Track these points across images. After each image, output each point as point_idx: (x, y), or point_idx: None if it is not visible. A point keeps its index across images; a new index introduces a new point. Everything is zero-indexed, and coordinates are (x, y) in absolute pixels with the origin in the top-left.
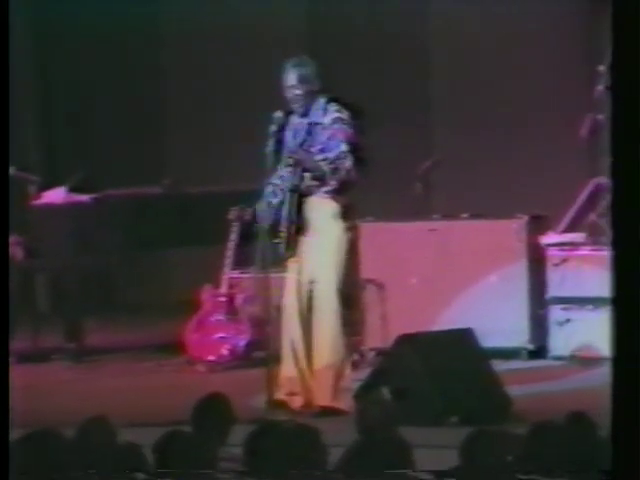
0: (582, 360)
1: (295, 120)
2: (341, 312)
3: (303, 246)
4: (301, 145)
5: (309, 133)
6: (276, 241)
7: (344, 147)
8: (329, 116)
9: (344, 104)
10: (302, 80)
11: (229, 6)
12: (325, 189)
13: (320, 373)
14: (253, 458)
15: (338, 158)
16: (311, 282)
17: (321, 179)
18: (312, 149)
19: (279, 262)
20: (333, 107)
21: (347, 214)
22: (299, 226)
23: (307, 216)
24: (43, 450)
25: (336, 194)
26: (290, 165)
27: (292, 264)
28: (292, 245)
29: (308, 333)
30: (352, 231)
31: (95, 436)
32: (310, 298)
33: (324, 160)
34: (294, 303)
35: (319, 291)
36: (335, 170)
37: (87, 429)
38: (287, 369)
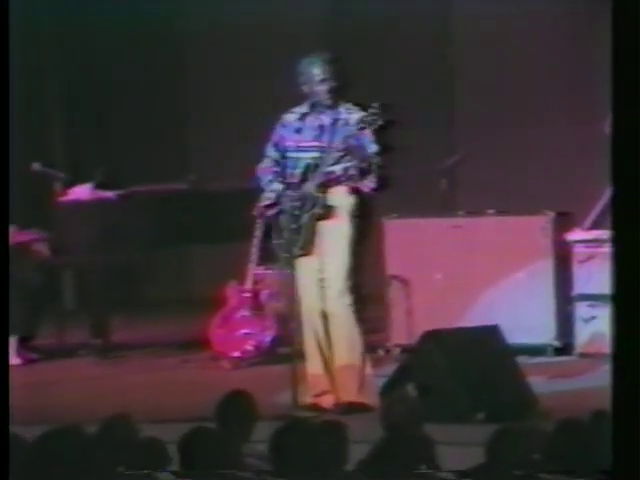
0: (607, 357)
1: (313, 115)
2: (356, 308)
3: (321, 239)
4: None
5: (331, 129)
6: (294, 235)
7: (375, 147)
8: (354, 115)
9: (369, 106)
10: (333, 75)
11: (249, 5)
12: (366, 182)
13: (341, 370)
14: (278, 455)
15: (375, 156)
16: (324, 278)
17: (365, 172)
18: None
19: (297, 256)
20: (357, 107)
21: (366, 210)
22: (320, 216)
23: (330, 205)
24: (66, 447)
25: (375, 189)
26: (336, 154)
27: (309, 259)
28: (310, 238)
29: (328, 329)
30: (369, 227)
31: (119, 432)
32: (325, 293)
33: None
34: (312, 298)
35: (331, 286)
36: (379, 166)
37: (111, 425)
38: (314, 366)
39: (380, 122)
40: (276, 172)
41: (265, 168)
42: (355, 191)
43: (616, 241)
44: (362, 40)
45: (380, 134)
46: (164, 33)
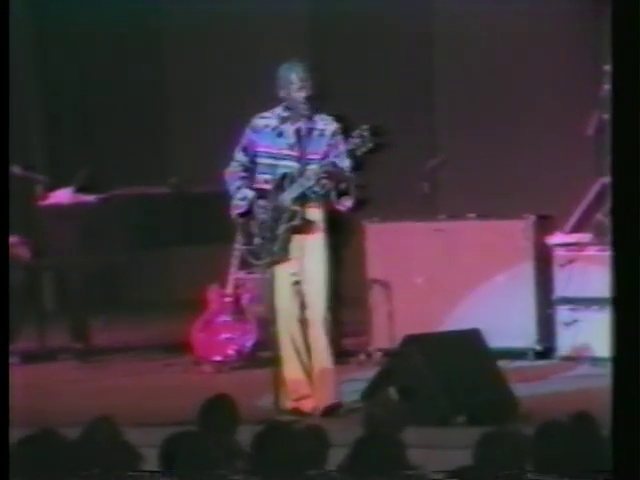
0: (588, 360)
1: (289, 122)
2: (335, 315)
3: (299, 251)
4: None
5: (307, 138)
6: (267, 244)
7: (348, 162)
8: (330, 126)
9: (346, 119)
10: (311, 83)
11: (230, 8)
12: (343, 201)
13: (320, 374)
14: (260, 459)
15: (353, 177)
16: (301, 282)
17: (343, 193)
18: (310, 155)
19: (274, 261)
20: (332, 118)
21: (343, 224)
22: (297, 229)
23: (308, 219)
24: (47, 450)
25: (352, 209)
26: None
27: (283, 265)
28: (285, 250)
29: (306, 333)
30: (347, 239)
31: (100, 436)
32: (302, 298)
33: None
34: (288, 304)
35: (312, 299)
36: (356, 186)
37: (92, 429)
38: (292, 371)
39: (370, 145)
40: (244, 177)
41: (233, 172)
42: (330, 207)
43: (616, 242)
44: (343, 43)
45: (366, 157)
46: (146, 36)
